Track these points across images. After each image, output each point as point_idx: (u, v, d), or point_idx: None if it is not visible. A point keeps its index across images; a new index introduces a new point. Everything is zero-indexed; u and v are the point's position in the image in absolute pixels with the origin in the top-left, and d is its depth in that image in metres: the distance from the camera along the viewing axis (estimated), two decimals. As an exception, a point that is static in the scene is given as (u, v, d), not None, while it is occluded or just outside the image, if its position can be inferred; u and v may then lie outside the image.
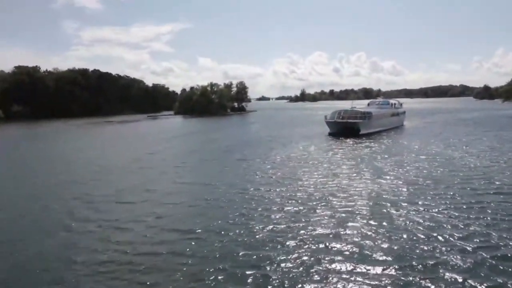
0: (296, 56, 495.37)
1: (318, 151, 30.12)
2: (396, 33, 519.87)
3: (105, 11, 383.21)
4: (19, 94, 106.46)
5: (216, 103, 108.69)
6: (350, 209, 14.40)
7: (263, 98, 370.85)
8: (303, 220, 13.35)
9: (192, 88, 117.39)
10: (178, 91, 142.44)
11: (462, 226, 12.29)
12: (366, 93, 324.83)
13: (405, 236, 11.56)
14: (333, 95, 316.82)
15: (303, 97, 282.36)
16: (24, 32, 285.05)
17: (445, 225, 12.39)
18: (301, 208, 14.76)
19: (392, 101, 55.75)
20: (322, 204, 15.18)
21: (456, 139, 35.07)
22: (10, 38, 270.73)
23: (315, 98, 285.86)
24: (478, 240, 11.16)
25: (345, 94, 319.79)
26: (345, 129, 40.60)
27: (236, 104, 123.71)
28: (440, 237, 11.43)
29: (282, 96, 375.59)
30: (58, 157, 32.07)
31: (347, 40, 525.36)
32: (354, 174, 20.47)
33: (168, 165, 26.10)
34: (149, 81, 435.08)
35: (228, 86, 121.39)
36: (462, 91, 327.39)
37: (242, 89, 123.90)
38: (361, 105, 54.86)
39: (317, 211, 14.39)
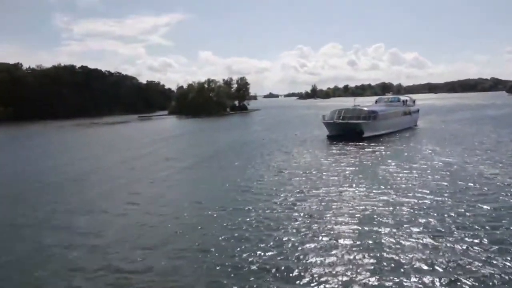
0: (307, 48, 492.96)
1: (309, 160, 28.52)
2: (419, 21, 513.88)
3: (98, 2, 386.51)
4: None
5: (214, 102, 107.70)
6: (339, 239, 12.91)
7: (270, 95, 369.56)
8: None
9: (189, 85, 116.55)
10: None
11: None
12: (385, 88, 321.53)
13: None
14: (348, 91, 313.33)
15: (314, 93, 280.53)
16: (11, 26, 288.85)
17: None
18: (270, 237, 13.30)
19: (403, 97, 54.11)
20: (303, 230, 13.82)
21: (477, 143, 33.41)
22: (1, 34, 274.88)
23: (327, 94, 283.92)
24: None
25: (361, 90, 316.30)
26: (346, 131, 39.23)
27: (237, 103, 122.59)
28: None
29: (292, 93, 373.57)
30: (19, 163, 31.34)
31: (363, 29, 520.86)
32: (347, 192, 18.73)
33: (134, 175, 25.05)
34: (146, 77, 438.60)
35: (228, 83, 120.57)
36: (494, 84, 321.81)
37: (243, 85, 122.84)
38: (368, 102, 53.13)
39: (299, 243, 12.81)
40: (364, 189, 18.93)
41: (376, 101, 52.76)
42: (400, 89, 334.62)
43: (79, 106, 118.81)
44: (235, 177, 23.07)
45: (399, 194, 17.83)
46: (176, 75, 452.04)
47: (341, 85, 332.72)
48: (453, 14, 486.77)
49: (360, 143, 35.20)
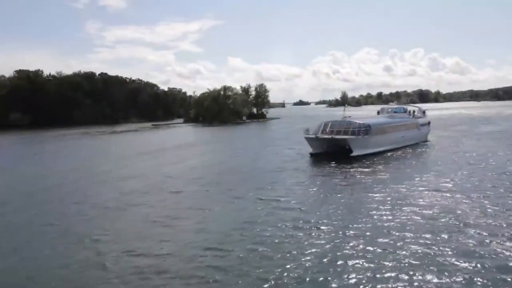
0: (340, 54, 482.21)
1: (275, 191, 22.05)
2: (461, 24, 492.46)
3: (129, 9, 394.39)
4: (18, 101, 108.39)
5: (229, 110, 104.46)
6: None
7: (300, 103, 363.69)
8: None
9: (205, 92, 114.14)
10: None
11: None
12: (422, 96, 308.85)
13: None
14: (381, 99, 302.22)
15: (344, 101, 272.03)
16: (44, 33, 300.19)
17: None
18: None
19: (411, 107, 47.62)
20: None
21: (498, 167, 26.42)
22: (34, 41, 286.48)
23: (358, 102, 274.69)
24: None
25: (396, 97, 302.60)
26: (332, 148, 34.07)
27: (255, 110, 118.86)
28: None
29: (323, 100, 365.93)
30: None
31: (401, 33, 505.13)
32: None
33: (75, 195, 22.11)
34: (175, 84, 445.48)
35: (246, 90, 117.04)
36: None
37: (262, 93, 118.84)
38: (371, 111, 47.05)
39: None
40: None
41: (378, 112, 46.96)
42: (438, 97, 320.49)
43: (96, 113, 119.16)
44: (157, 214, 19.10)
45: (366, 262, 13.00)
46: (205, 82, 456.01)
47: (377, 92, 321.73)
48: (500, 16, 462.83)
49: (345, 165, 29.35)
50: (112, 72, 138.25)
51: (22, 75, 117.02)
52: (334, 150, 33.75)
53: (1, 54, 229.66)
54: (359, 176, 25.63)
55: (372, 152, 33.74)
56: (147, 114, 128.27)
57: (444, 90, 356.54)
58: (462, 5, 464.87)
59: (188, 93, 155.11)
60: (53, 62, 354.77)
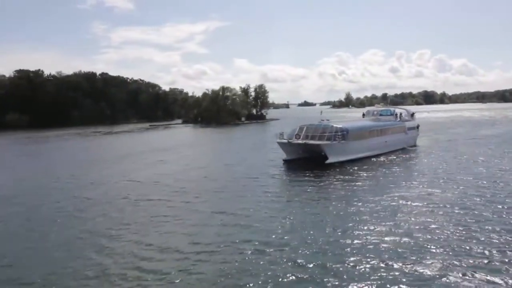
0: (346, 55, 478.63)
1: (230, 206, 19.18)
2: (469, 26, 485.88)
3: (136, 11, 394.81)
4: (16, 101, 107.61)
5: (227, 111, 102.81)
6: None
7: (305, 104, 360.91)
8: None
9: (204, 93, 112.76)
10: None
11: None
12: (427, 97, 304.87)
13: None
14: (386, 100, 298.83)
15: (348, 102, 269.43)
16: (51, 34, 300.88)
17: None
18: None
19: (399, 110, 44.47)
20: None
21: (488, 177, 23.97)
22: (41, 42, 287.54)
23: (362, 103, 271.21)
24: None
25: (401, 98, 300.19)
26: (307, 154, 31.44)
27: (254, 111, 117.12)
28: None
29: (328, 101, 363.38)
30: None
31: (408, 35, 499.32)
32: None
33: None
34: (181, 85, 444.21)
35: (245, 91, 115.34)
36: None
37: (261, 93, 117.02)
38: (356, 113, 44.51)
39: None
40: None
41: (363, 114, 44.25)
42: (444, 98, 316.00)
43: (96, 113, 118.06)
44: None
45: None
46: (210, 83, 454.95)
47: (383, 93, 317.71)
48: (508, 18, 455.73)
49: (317, 174, 26.53)
50: (118, 73, 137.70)
51: (22, 75, 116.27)
52: (310, 156, 31.30)
53: (8, 55, 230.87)
54: (330, 188, 22.85)
55: (351, 159, 30.97)
56: (147, 114, 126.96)
57: (450, 92, 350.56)
58: (470, 6, 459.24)
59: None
60: (60, 63, 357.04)
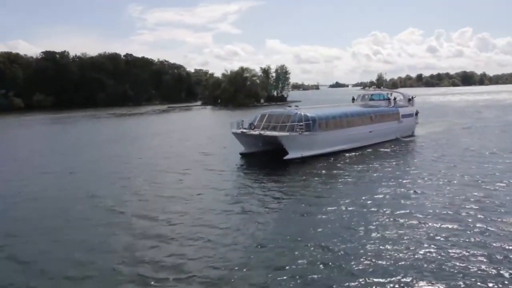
0: (382, 35, 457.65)
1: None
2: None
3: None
4: (42, 82, 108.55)
5: (245, 92, 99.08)
6: None
7: (337, 85, 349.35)
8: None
9: (223, 74, 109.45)
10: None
11: None
12: (466, 78, 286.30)
13: None
14: (420, 81, 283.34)
15: (380, 83, 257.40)
16: (87, 18, 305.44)
17: None
18: None
19: (397, 94, 37.77)
20: None
21: (494, 182, 18.49)
22: (78, 24, 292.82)
23: (395, 84, 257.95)
24: None
25: (437, 79, 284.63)
26: (267, 146, 26.47)
27: (275, 93, 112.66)
28: None
29: (361, 82, 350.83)
30: None
31: (448, 13, 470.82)
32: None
33: None
34: (213, 66, 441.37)
35: (266, 72, 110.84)
36: None
37: (282, 74, 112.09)
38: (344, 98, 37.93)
39: None
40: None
41: (353, 99, 38.17)
42: (484, 79, 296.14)
43: (119, 94, 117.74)
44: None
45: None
46: (242, 64, 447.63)
47: (417, 75, 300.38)
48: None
49: (271, 174, 21.61)
50: (152, 55, 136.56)
51: (48, 56, 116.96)
52: (273, 150, 25.92)
53: (47, 38, 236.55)
54: (278, 193, 17.66)
55: (320, 154, 25.52)
56: (170, 95, 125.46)
57: (493, 72, 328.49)
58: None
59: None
60: (97, 45, 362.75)
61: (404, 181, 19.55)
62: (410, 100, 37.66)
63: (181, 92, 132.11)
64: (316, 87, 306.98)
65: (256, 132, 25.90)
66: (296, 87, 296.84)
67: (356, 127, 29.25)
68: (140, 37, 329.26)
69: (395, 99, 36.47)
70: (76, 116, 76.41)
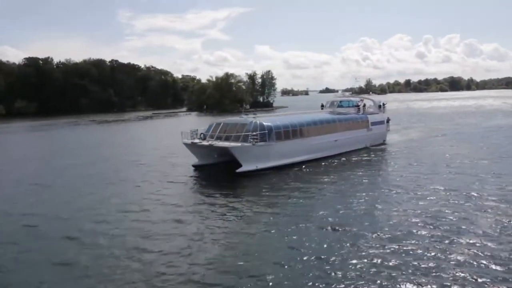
0: (371, 40, 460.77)
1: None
2: (501, 8, 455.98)
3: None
4: (24, 88, 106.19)
5: (230, 98, 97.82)
6: None
7: (327, 90, 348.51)
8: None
9: (208, 80, 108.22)
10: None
11: None
12: (453, 83, 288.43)
13: None
14: (409, 86, 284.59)
15: (368, 88, 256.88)
16: (77, 23, 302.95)
17: None
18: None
19: (367, 100, 35.92)
20: None
21: (459, 202, 16.60)
22: (66, 29, 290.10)
23: (383, 90, 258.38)
24: None
25: (425, 85, 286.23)
26: (223, 158, 24.32)
27: (261, 99, 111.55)
28: None
29: (350, 88, 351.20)
30: None
31: (436, 19, 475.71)
32: None
33: None
34: (202, 72, 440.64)
35: (252, 77, 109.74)
36: None
37: (268, 80, 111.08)
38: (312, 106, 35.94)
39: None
40: None
41: (322, 106, 36.49)
42: (471, 84, 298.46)
43: (104, 101, 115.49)
44: None
45: None
46: (232, 70, 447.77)
47: (410, 79, 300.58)
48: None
49: (223, 189, 19.69)
50: (141, 61, 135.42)
51: (31, 62, 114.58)
52: (229, 161, 23.74)
53: (35, 42, 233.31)
54: (223, 210, 16.09)
55: (277, 166, 23.64)
56: (155, 102, 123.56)
57: (480, 78, 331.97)
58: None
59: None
60: (85, 50, 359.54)
61: (364, 194, 17.99)
62: (380, 106, 36.11)
63: (167, 98, 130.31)
64: (306, 92, 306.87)
65: (207, 143, 23.87)
66: (286, 92, 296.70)
67: (319, 136, 27.45)
68: (129, 43, 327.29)
69: (364, 105, 34.74)
70: (55, 124, 74.18)
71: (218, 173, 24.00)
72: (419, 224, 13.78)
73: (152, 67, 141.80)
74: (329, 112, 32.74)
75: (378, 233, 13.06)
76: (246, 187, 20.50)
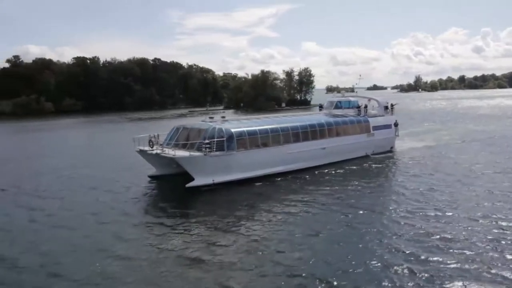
0: (423, 35, 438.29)
1: None
2: None
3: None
4: (72, 87, 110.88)
5: (266, 96, 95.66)
6: None
7: (374, 87, 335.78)
8: None
9: (245, 77, 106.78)
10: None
11: None
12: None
13: None
14: (463, 83, 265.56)
15: (418, 85, 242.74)
16: (128, 23, 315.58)
17: None
18: None
19: (372, 100, 31.73)
20: None
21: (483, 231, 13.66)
22: (122, 29, 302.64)
23: (434, 86, 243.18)
24: None
25: (482, 81, 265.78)
26: (180, 168, 20.76)
27: (298, 97, 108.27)
28: None
29: (400, 85, 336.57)
30: None
31: (495, 11, 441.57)
32: None
33: None
34: (249, 69, 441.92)
35: (289, 74, 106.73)
36: None
37: (306, 77, 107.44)
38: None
39: None
40: None
41: (320, 107, 33.08)
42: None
43: (146, 99, 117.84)
44: None
45: None
46: (278, 67, 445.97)
47: (466, 75, 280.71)
48: None
49: (172, 208, 17.29)
50: (189, 59, 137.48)
51: (79, 62, 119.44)
52: (179, 173, 21.04)
53: (91, 43, 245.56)
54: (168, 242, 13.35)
55: (243, 179, 20.52)
56: (195, 99, 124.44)
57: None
58: None
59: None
60: (139, 50, 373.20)
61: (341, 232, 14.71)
62: (387, 108, 31.53)
63: (207, 96, 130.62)
64: (352, 89, 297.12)
65: (154, 152, 20.88)
66: (331, 90, 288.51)
67: (300, 143, 23.72)
68: (179, 42, 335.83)
69: (366, 106, 30.55)
70: (92, 121, 76.19)
71: (175, 185, 20.97)
72: None
73: (195, 65, 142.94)
74: (324, 114, 29.01)
75: None
76: (190, 206, 17.53)
